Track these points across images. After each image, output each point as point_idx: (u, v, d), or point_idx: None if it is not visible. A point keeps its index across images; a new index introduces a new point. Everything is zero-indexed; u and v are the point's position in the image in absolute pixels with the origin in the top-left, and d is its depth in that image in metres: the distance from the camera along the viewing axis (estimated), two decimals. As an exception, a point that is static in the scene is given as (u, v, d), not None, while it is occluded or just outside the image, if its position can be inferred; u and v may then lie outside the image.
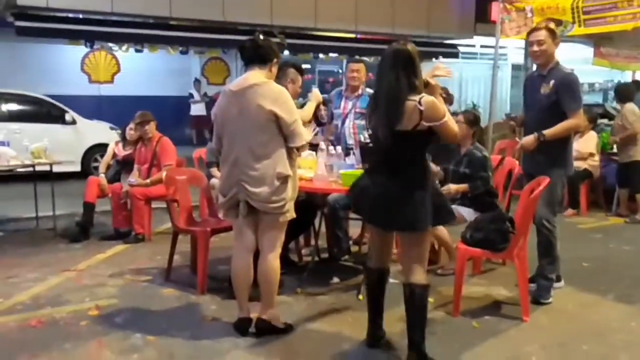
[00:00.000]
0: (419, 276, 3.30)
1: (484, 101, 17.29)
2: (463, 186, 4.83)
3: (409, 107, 3.10)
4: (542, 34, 4.31)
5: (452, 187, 4.87)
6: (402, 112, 3.10)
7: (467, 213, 4.77)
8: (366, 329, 3.62)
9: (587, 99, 20.66)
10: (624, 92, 7.68)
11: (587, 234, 6.66)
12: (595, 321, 4.14)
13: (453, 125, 3.24)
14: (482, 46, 17.78)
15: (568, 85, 4.26)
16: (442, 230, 4.90)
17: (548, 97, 4.29)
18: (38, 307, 4.23)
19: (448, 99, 9.81)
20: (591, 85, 21.87)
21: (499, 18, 8.40)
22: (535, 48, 4.33)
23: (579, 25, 7.46)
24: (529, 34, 4.55)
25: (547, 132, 4.22)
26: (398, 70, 3.15)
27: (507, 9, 8.26)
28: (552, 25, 4.60)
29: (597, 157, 7.83)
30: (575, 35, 8.14)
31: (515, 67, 18.24)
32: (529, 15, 8.15)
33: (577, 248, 5.51)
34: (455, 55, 17.03)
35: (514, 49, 17.07)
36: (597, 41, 10.36)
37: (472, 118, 5.05)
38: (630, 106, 7.39)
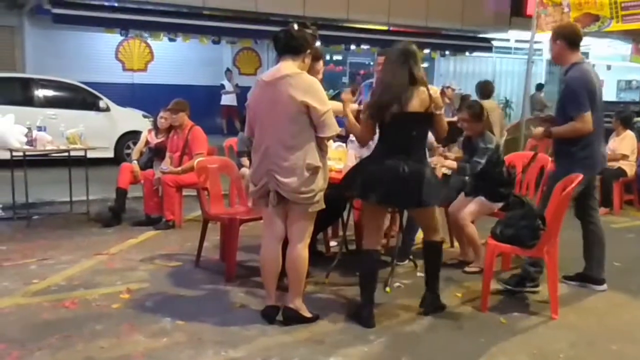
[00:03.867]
0: (437, 235, 3.99)
1: (517, 97, 17.08)
2: (451, 163, 4.82)
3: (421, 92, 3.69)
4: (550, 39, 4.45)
5: (441, 160, 4.82)
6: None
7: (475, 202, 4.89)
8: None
9: (623, 96, 20.33)
10: (484, 89, 7.76)
11: (619, 234, 6.55)
12: (625, 321, 4.08)
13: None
14: (516, 41, 17.55)
15: (567, 90, 4.35)
16: (471, 227, 4.87)
17: (560, 98, 4.45)
18: (71, 289, 4.34)
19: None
20: (628, 82, 21.44)
21: (535, 12, 8.29)
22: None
23: (617, 21, 7.33)
24: None
25: (555, 129, 4.37)
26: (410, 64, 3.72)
27: (543, 3, 8.14)
28: (558, 27, 4.65)
29: (632, 158, 7.67)
30: (613, 31, 8.01)
31: (551, 63, 17.96)
32: (566, 10, 8.03)
33: (609, 247, 5.40)
34: (488, 49, 16.85)
35: (548, 43, 16.84)
36: (636, 38, 10.15)
37: (478, 111, 4.87)
38: (485, 103, 7.29)
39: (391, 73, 3.75)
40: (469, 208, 4.89)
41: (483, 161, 4.72)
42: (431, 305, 4.02)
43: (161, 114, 6.57)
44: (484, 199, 4.88)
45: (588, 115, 4.21)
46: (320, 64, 4.37)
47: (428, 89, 3.73)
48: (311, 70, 4.20)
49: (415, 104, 3.66)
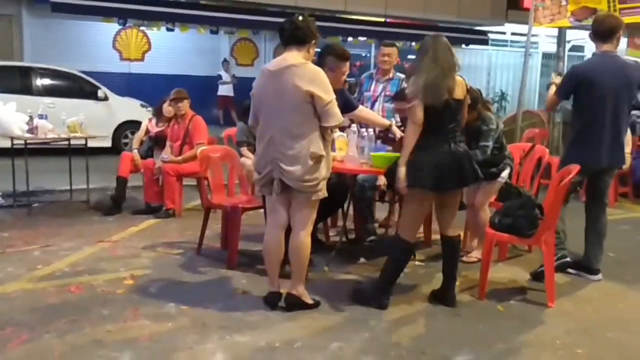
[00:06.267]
0: (455, 229, 4.07)
1: (513, 89, 17.15)
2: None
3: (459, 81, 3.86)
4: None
5: None
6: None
7: None
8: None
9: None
10: None
11: (614, 225, 6.56)
12: (620, 310, 4.17)
13: None
14: (512, 34, 17.60)
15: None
16: (486, 214, 4.87)
17: None
18: (76, 275, 4.39)
19: None
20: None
21: (532, 5, 8.34)
22: None
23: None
24: None
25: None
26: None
27: (540, -5, 8.19)
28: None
29: (626, 150, 7.72)
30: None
31: (546, 56, 18.03)
32: (564, 3, 8.08)
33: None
34: (485, 42, 16.89)
35: (544, 37, 16.89)
36: (631, 31, 10.19)
37: (470, 101, 4.79)
38: None
39: (441, 61, 3.77)
40: (479, 195, 4.90)
41: (490, 144, 4.67)
42: (447, 301, 4.05)
43: (167, 102, 6.57)
44: (484, 182, 4.89)
45: (554, 98, 4.62)
46: (346, 65, 4.36)
47: (462, 79, 3.93)
48: (337, 71, 4.24)
49: (459, 92, 3.81)
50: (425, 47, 3.82)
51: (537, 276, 4.53)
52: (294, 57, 3.65)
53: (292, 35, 3.69)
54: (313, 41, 3.74)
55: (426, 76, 3.71)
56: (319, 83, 3.59)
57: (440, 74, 3.72)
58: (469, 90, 4.81)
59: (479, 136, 4.70)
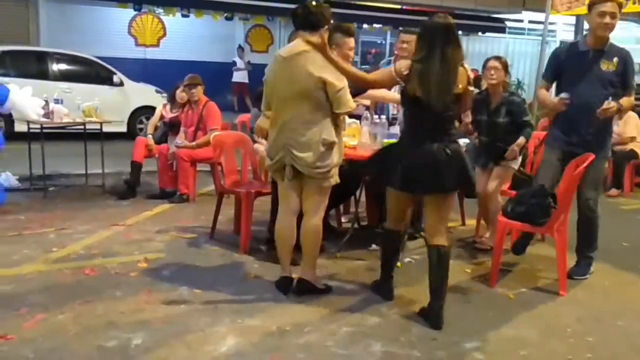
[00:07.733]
0: (444, 238, 3.59)
1: (530, 78, 16.99)
2: (522, 140, 4.78)
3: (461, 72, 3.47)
4: (614, 6, 4.06)
5: (516, 147, 4.78)
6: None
7: None
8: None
9: (636, 79, 20.24)
10: None
11: (629, 215, 6.61)
12: (631, 299, 4.16)
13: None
14: (530, 22, 17.42)
15: (632, 63, 4.22)
16: (499, 201, 4.85)
17: (614, 73, 4.16)
18: (90, 257, 4.45)
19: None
20: (640, 65, 21.29)
21: (550, -7, 8.25)
22: (608, 20, 4.05)
23: (634, 2, 7.29)
24: (596, 3, 4.12)
25: (623, 103, 4.07)
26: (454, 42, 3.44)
27: (559, -17, 8.09)
28: None
29: (639, 139, 7.68)
30: (627, 13, 7.94)
31: (564, 44, 17.84)
32: (582, -10, 7.98)
33: (618, 228, 5.51)
34: (502, 30, 16.75)
35: (562, 25, 16.71)
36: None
37: (506, 61, 4.87)
38: None
39: (450, 58, 3.39)
40: (491, 181, 4.87)
41: (529, 117, 4.70)
42: (430, 321, 3.56)
43: (181, 88, 6.61)
44: (497, 166, 4.88)
45: None
46: (351, 41, 4.19)
47: (465, 68, 3.52)
48: (344, 47, 4.11)
49: (458, 86, 3.47)
50: (431, 37, 3.40)
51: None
52: (306, 42, 3.64)
53: (305, 20, 3.69)
54: (326, 27, 3.72)
55: (435, 78, 3.37)
56: (332, 69, 3.57)
57: (448, 78, 3.39)
58: (497, 56, 4.85)
59: (515, 110, 4.75)
